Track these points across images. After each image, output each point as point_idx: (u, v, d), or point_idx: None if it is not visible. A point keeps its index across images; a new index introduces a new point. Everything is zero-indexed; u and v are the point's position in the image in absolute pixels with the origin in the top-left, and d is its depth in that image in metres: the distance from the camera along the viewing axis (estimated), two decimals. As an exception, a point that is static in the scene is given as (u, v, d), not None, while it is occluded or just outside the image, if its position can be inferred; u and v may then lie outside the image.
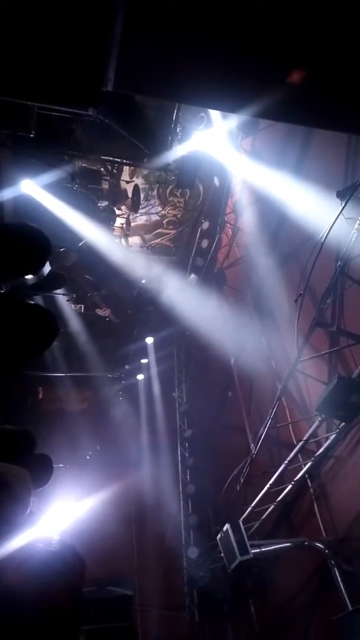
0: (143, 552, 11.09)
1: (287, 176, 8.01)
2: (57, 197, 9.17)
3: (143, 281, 12.16)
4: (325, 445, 6.79)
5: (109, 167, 11.02)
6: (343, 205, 5.80)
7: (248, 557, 6.74)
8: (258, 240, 9.56)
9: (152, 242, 12.72)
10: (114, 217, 11.61)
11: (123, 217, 11.91)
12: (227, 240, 11.29)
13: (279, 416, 7.67)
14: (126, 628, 8.66)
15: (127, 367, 13.58)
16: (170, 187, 11.73)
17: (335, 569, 6.23)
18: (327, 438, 6.76)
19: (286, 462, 7.31)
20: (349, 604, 5.85)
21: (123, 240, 12.29)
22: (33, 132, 6.13)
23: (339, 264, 6.21)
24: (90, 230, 10.19)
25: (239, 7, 3.21)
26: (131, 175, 11.56)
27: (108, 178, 11.14)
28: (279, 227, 8.82)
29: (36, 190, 8.80)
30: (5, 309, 1.92)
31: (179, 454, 12.21)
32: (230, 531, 6.88)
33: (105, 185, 11.25)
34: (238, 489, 8.64)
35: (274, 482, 7.54)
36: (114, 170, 11.13)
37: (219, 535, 7.21)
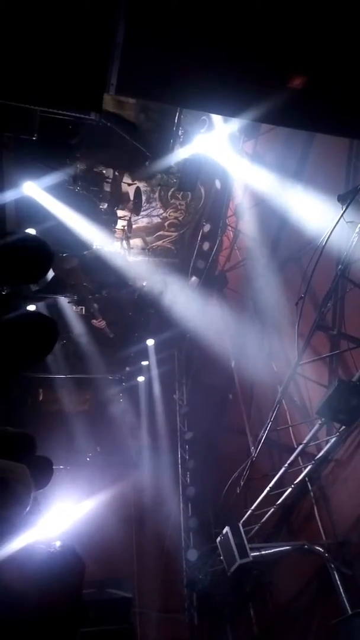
0: (143, 554, 11.08)
1: (288, 179, 8.03)
2: (58, 200, 9.19)
3: (144, 283, 12.18)
4: (325, 449, 6.79)
5: (111, 170, 11.05)
6: (344, 209, 5.82)
7: (247, 560, 6.73)
8: (259, 243, 9.58)
9: (154, 244, 12.74)
10: (115, 219, 11.64)
11: (124, 220, 11.93)
12: (228, 243, 11.31)
13: (280, 419, 7.67)
14: (125, 630, 8.64)
15: (127, 369, 13.59)
16: (172, 189, 11.76)
17: (335, 573, 6.23)
18: (327, 441, 6.76)
19: (286, 465, 7.31)
20: (348, 608, 5.84)
21: (124, 242, 12.31)
22: (35, 135, 6.15)
23: (339, 267, 6.22)
24: (91, 233, 10.22)
25: (240, 12, 3.23)
26: (133, 178, 11.59)
27: (110, 180, 11.16)
28: (280, 230, 8.84)
29: (38, 192, 8.83)
30: (5, 315, 1.94)
31: (179, 456, 12.20)
32: (230, 534, 6.88)
33: (107, 188, 11.27)
34: (238, 491, 8.64)
35: (274, 485, 7.54)
36: (116, 173, 11.16)
37: (218, 538, 7.21)
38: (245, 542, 6.86)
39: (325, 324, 6.74)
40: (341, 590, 6.08)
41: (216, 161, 9.75)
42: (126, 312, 12.95)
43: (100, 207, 11.08)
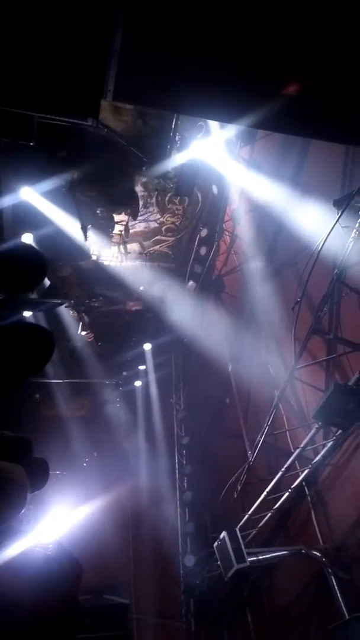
0: (139, 559, 11.03)
1: (285, 185, 8.08)
2: (56, 205, 9.22)
3: (141, 288, 12.21)
4: (322, 453, 6.79)
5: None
6: (340, 214, 5.85)
7: (245, 565, 6.71)
8: (256, 248, 9.62)
9: (151, 249, 12.77)
10: (112, 224, 11.66)
11: (122, 224, 11.96)
12: (225, 248, 11.35)
13: (277, 423, 7.68)
14: (122, 637, 8.57)
15: (125, 373, 13.58)
16: (169, 194, 11.80)
17: (332, 577, 6.22)
18: (324, 445, 6.77)
19: (283, 469, 7.31)
20: (345, 613, 5.83)
21: (122, 247, 12.34)
22: (33, 141, 6.18)
23: (335, 272, 6.25)
24: (89, 237, 10.24)
25: (238, 18, 3.26)
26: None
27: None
28: (276, 235, 8.88)
29: (35, 197, 8.86)
30: (3, 328, 1.95)
31: (176, 461, 12.17)
32: (227, 539, 6.86)
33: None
34: (235, 496, 8.62)
35: (271, 489, 7.54)
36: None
37: (215, 543, 7.19)
38: (243, 547, 6.84)
39: (321, 328, 6.76)
40: (338, 594, 6.07)
41: (213, 166, 9.80)
42: (123, 317, 12.97)
43: (97, 212, 11.11)
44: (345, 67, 3.49)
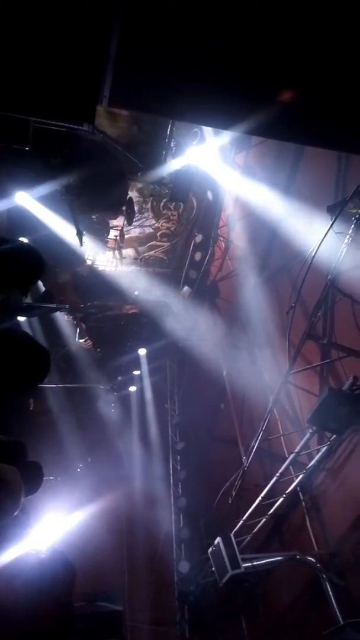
0: (134, 566, 10.95)
1: (279, 191, 8.14)
2: (51, 210, 9.22)
3: (136, 293, 12.21)
4: (316, 458, 6.80)
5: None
6: (333, 220, 5.90)
7: (239, 571, 6.69)
8: (250, 253, 9.67)
9: (146, 254, 12.78)
10: (107, 229, 11.68)
11: (117, 230, 11.98)
12: (220, 253, 11.39)
13: (271, 428, 7.68)
14: (116, 644, 8.51)
15: (119, 378, 13.54)
16: (164, 200, 11.85)
17: (327, 583, 6.21)
18: (318, 450, 6.78)
19: (278, 474, 7.31)
20: (340, 618, 5.82)
21: (117, 252, 12.35)
22: (28, 146, 6.19)
23: (329, 277, 6.30)
24: (84, 243, 10.24)
25: (234, 25, 3.30)
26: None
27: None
28: (270, 240, 8.93)
29: (30, 202, 8.86)
30: (1, 343, 1.95)
31: (171, 466, 12.13)
32: (221, 544, 6.84)
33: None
34: (230, 502, 8.60)
35: (265, 494, 7.53)
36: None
37: (210, 549, 7.17)
38: (237, 552, 6.82)
39: (315, 333, 6.80)
40: (333, 600, 6.07)
41: (208, 173, 9.86)
42: (118, 322, 12.96)
43: (93, 217, 11.13)
44: (340, 74, 3.54)
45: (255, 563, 7.00)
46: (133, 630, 9.89)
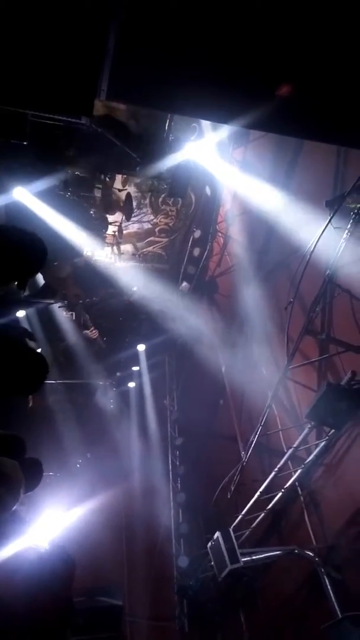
0: (133, 561, 10.99)
1: (278, 186, 8.12)
2: (49, 205, 9.19)
3: (135, 288, 12.20)
4: (315, 453, 6.82)
5: (102, 176, 11.07)
6: (331, 215, 5.89)
7: (238, 566, 6.73)
8: (249, 249, 9.65)
9: (144, 250, 12.77)
10: (106, 225, 11.65)
11: (115, 225, 11.95)
12: (219, 249, 11.37)
13: (270, 423, 7.70)
14: (116, 638, 8.56)
15: (118, 374, 13.55)
16: (163, 195, 11.81)
17: (325, 577, 6.24)
18: (317, 445, 6.80)
19: (276, 469, 7.33)
20: (339, 612, 5.85)
21: (115, 247, 12.33)
22: (26, 140, 6.17)
23: (327, 272, 6.29)
24: (82, 239, 10.23)
25: (234, 19, 3.28)
26: (124, 184, 11.63)
27: (100, 186, 11.19)
28: (269, 235, 8.92)
29: (28, 197, 8.83)
30: (2, 350, 1.95)
31: (170, 462, 12.16)
32: (220, 539, 6.87)
33: (97, 194, 11.29)
34: (229, 497, 8.63)
35: (264, 489, 7.55)
36: (107, 179, 11.18)
37: (209, 544, 7.20)
38: (236, 547, 6.86)
39: (313, 328, 6.80)
40: (331, 594, 6.09)
41: (206, 168, 9.83)
42: (117, 318, 12.95)
43: (91, 212, 11.10)
44: (339, 68, 3.52)
45: (254, 557, 7.03)
46: (132, 625, 9.94)
